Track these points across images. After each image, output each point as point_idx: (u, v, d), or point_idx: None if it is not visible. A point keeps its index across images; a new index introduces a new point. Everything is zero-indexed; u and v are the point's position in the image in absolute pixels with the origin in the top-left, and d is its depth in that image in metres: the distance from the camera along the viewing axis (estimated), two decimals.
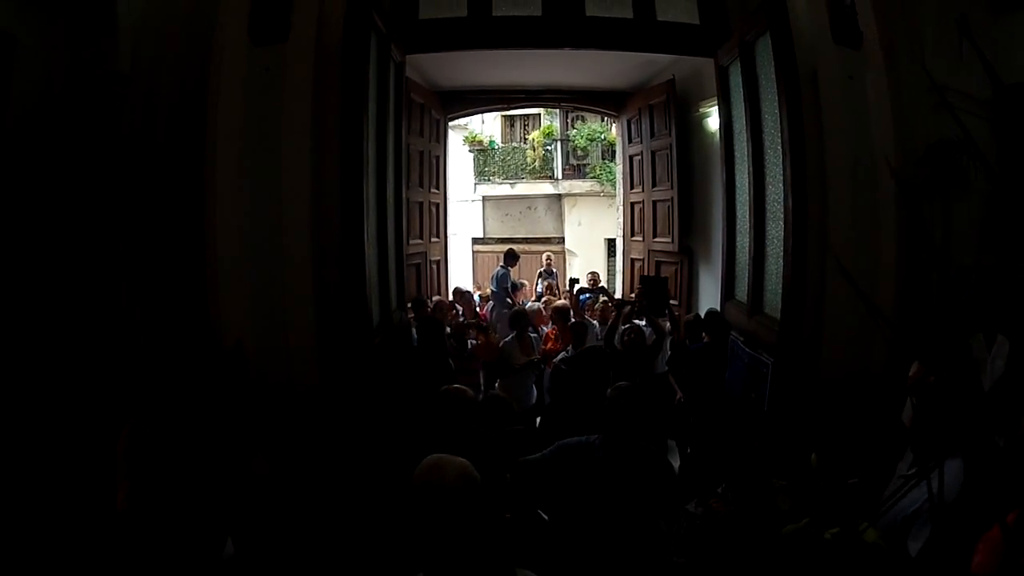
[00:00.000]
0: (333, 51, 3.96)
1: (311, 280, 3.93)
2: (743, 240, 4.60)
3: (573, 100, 9.12)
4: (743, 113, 4.53)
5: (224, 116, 3.99)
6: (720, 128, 5.16)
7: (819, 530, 2.36)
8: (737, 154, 4.69)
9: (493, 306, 8.09)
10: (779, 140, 3.99)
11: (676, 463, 5.72)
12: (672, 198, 7.36)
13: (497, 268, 8.98)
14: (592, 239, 15.76)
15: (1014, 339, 4.92)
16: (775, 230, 4.07)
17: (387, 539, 2.81)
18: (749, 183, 4.42)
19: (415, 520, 1.71)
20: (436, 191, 8.01)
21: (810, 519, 2.45)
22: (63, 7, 5.53)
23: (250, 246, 3.96)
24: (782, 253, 3.94)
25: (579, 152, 16.56)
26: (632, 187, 8.48)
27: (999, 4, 6.20)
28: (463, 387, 3.55)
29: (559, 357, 5.16)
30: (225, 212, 3.95)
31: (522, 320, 5.92)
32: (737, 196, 4.74)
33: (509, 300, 8.15)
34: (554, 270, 10.66)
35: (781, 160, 3.95)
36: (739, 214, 4.69)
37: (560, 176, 16.82)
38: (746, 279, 4.52)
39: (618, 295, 8.10)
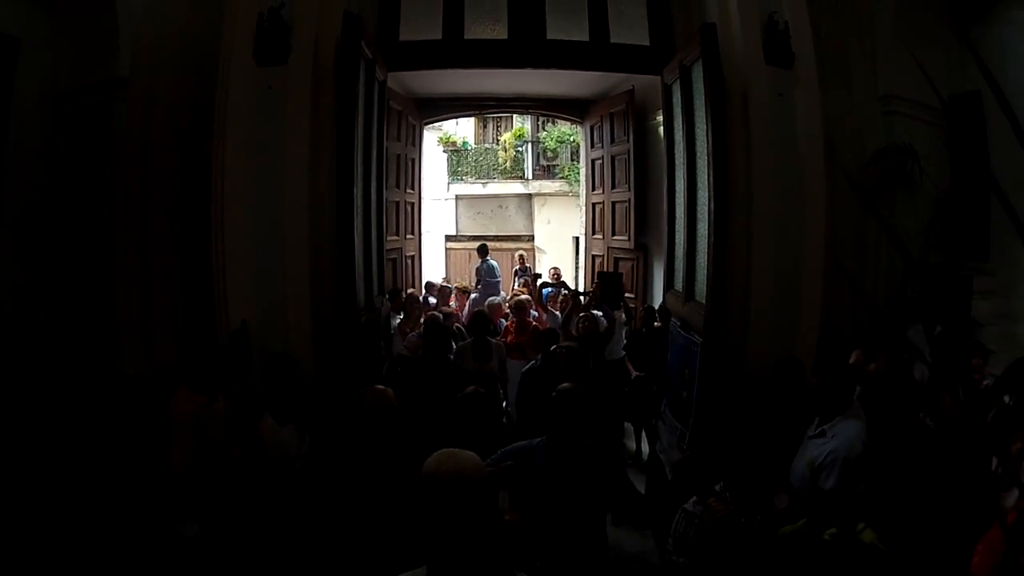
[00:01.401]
0: (327, 72, 4.53)
1: (307, 269, 4.49)
2: (680, 237, 5.27)
3: (541, 107, 9.74)
4: (681, 126, 5.16)
5: (232, 126, 4.53)
6: (664, 139, 5.82)
7: (816, 531, 2.45)
8: (677, 162, 5.32)
9: (476, 298, 8.66)
10: (707, 151, 4.66)
11: (634, 446, 6.40)
12: (629, 199, 8.01)
13: (488, 261, 9.81)
14: (561, 237, 16.30)
15: (954, 330, 5.43)
16: (703, 229, 4.72)
17: (391, 529, 2.81)
18: (684, 188, 5.08)
19: (422, 512, 1.70)
20: (411, 191, 8.59)
21: (807, 519, 2.54)
22: (66, 12, 5.83)
23: (254, 240, 4.50)
24: (707, 248, 4.62)
25: (549, 153, 17.28)
26: (594, 189, 9.12)
27: (956, 18, 6.70)
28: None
29: (527, 367, 5.24)
30: (233, 210, 4.51)
31: (481, 323, 5.78)
32: (676, 199, 5.38)
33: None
34: (528, 267, 11.34)
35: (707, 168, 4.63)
36: (677, 215, 5.34)
37: (531, 176, 17.57)
38: (681, 271, 5.19)
39: (580, 289, 8.76)
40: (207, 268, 5.22)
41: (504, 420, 5.65)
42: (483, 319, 5.82)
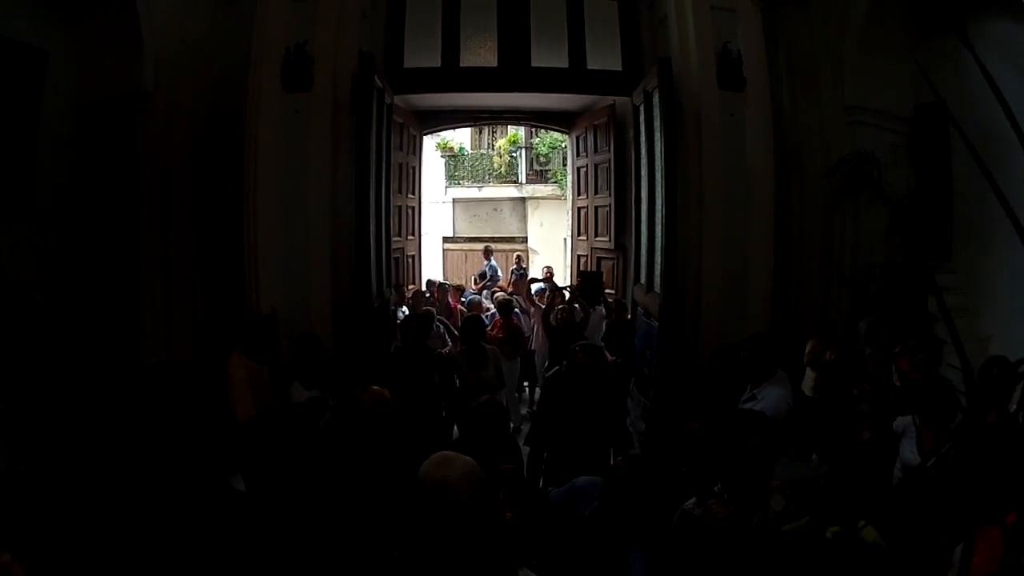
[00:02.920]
0: (345, 98, 5.38)
1: (328, 265, 5.35)
2: (643, 238, 6.10)
3: (531, 119, 10.46)
4: (644, 142, 6.01)
5: (263, 144, 5.37)
6: (633, 152, 6.66)
7: (819, 529, 2.40)
8: (641, 173, 6.16)
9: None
10: (661, 165, 5.50)
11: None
12: (610, 204, 8.71)
13: (491, 263, 11.03)
14: (552, 238, 16.74)
15: (912, 326, 5.93)
16: (659, 230, 5.56)
17: (389, 530, 2.84)
18: (646, 195, 5.91)
19: (421, 516, 1.71)
20: (412, 196, 9.34)
21: (810, 518, 2.52)
22: (91, 26, 6.34)
23: (284, 240, 5.36)
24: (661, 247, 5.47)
25: (541, 159, 17.77)
26: (579, 194, 9.81)
27: (921, 31, 7.04)
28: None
29: (551, 373, 4.96)
30: (263, 215, 5.35)
31: (474, 328, 5.50)
32: (640, 205, 6.21)
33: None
34: (525, 268, 12.25)
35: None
36: (641, 218, 6.17)
37: (524, 180, 18.00)
38: (644, 267, 6.04)
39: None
40: (224, 266, 6.02)
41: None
42: (476, 324, 5.53)
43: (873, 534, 2.37)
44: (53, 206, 6.33)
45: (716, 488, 2.81)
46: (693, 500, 2.83)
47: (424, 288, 9.14)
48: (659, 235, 5.53)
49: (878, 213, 6.94)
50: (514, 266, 12.16)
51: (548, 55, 6.55)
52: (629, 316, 6.91)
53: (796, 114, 7.07)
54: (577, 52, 6.61)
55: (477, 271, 12.43)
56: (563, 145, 16.67)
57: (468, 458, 1.87)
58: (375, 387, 3.36)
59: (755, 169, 5.88)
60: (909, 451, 3.92)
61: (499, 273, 11.65)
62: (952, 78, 6.23)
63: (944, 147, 6.82)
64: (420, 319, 5.65)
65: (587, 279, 7.59)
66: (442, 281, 9.96)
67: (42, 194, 6.20)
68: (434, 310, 7.12)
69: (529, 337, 7.61)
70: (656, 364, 5.39)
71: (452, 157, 18.25)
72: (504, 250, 15.46)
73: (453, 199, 18.34)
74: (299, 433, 4.12)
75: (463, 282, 11.15)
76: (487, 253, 12.01)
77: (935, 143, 6.96)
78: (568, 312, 6.57)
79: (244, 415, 4.08)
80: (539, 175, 17.93)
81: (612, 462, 3.51)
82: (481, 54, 6.45)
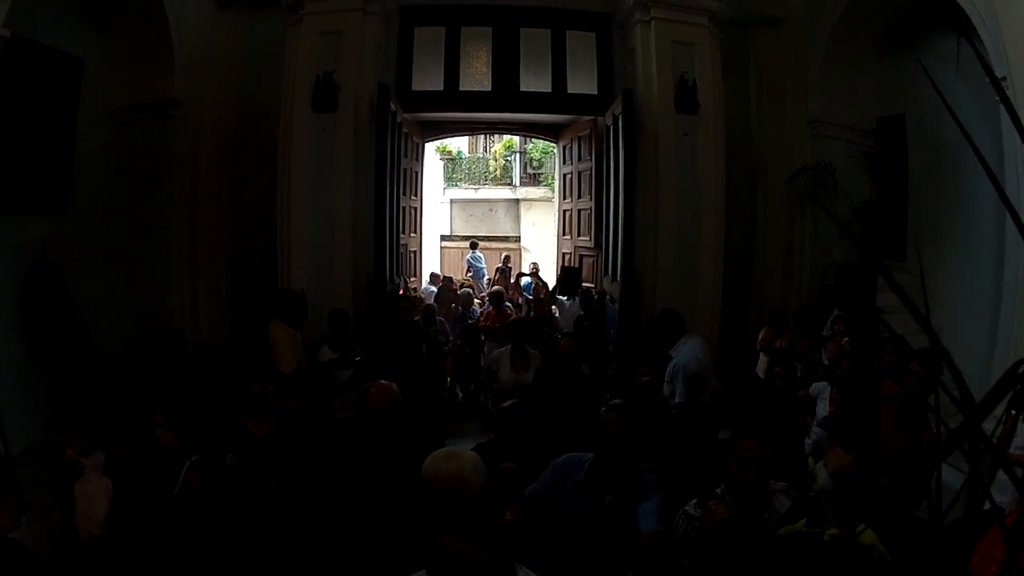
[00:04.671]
0: (364, 119, 6.50)
1: (350, 256, 6.49)
2: (610, 237, 7.26)
3: (523, 130, 11.41)
4: (612, 158, 7.17)
5: (296, 155, 6.48)
6: (605, 164, 7.79)
7: (816, 532, 2.39)
8: (611, 182, 7.32)
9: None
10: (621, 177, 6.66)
11: None
12: (591, 207, 9.59)
13: (475, 253, 13.44)
14: (543, 238, 17.17)
15: (863, 317, 6.61)
16: (620, 231, 6.74)
17: (394, 528, 2.85)
18: (613, 201, 7.07)
19: (422, 513, 1.68)
20: (414, 198, 10.27)
21: (807, 520, 2.49)
22: (123, 36, 7.05)
23: (312, 235, 6.51)
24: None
25: (534, 163, 18.40)
26: (565, 198, 10.69)
27: (882, 48, 7.65)
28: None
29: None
30: (297, 214, 6.48)
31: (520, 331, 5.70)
32: (611, 210, 7.38)
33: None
34: (510, 265, 13.14)
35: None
36: (609, 220, 7.34)
37: (518, 183, 18.66)
38: (610, 260, 7.20)
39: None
40: (247, 258, 7.02)
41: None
42: (520, 327, 5.68)
43: (871, 537, 2.35)
44: (89, 201, 7.07)
45: (718, 490, 2.79)
46: (694, 501, 2.81)
47: (428, 279, 10.31)
48: (620, 234, 6.67)
49: (836, 217, 7.73)
50: (499, 264, 13.11)
51: (534, 80, 7.67)
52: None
53: (763, 126, 7.99)
54: (559, 78, 7.72)
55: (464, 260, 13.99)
56: (555, 151, 17.54)
57: (471, 452, 1.86)
58: (383, 381, 3.43)
59: (706, 180, 6.94)
60: (823, 408, 4.57)
61: (482, 263, 13.15)
62: (911, 92, 6.97)
63: (902, 157, 7.40)
64: (409, 299, 6.78)
65: (567, 274, 8.67)
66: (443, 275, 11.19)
67: (79, 190, 6.87)
68: (435, 306, 7.89)
69: None
70: (616, 339, 6.53)
71: (451, 160, 18.84)
72: (498, 248, 15.98)
73: (451, 200, 18.94)
74: (328, 383, 5.29)
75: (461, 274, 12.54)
76: (473, 246, 13.88)
77: (894, 153, 7.54)
78: (542, 305, 7.68)
79: (287, 369, 5.19)
80: (532, 178, 18.54)
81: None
82: (477, 79, 7.58)
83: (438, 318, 7.50)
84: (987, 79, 4.54)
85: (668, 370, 4.98)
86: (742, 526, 2.60)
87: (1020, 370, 0.74)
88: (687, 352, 4.92)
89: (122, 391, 5.57)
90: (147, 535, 3.32)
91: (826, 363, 5.94)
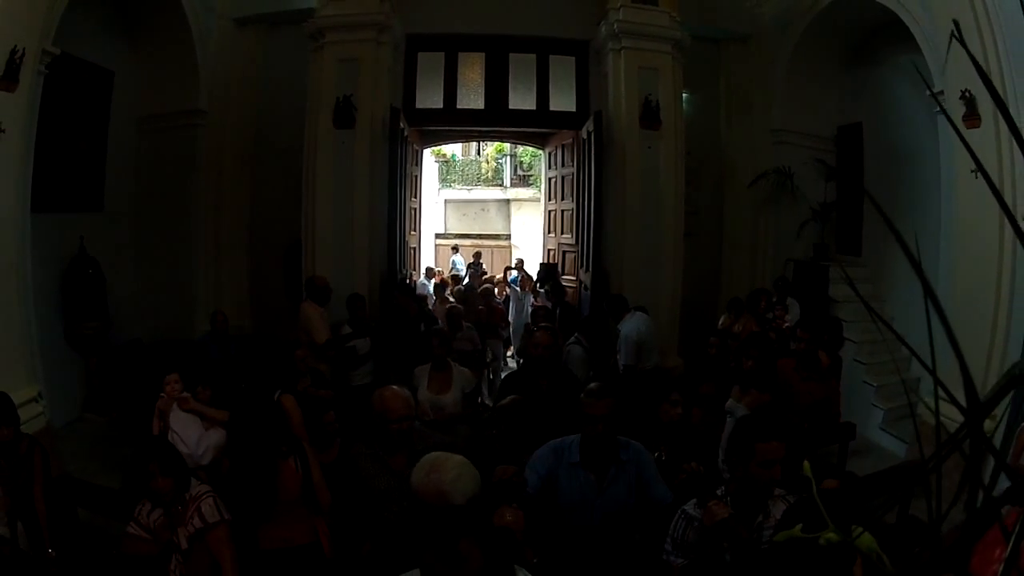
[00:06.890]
0: (378, 135, 7.61)
1: (367, 251, 7.62)
2: (585, 234, 8.48)
3: (513, 137, 12.35)
4: (587, 166, 8.36)
5: (320, 166, 7.61)
6: (582, 172, 8.97)
7: (812, 536, 2.61)
8: (586, 187, 8.53)
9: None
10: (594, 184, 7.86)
11: None
12: (573, 209, 10.64)
13: (459, 256, 14.14)
14: (533, 236, 16.72)
15: (804, 304, 7.24)
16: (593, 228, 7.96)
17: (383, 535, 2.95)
18: (587, 203, 8.30)
19: (414, 517, 1.67)
20: (414, 199, 11.26)
21: (803, 525, 2.88)
22: (151, 49, 7.56)
23: (334, 234, 7.61)
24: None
25: (524, 165, 19.13)
26: (550, 199, 11.57)
27: (843, 61, 8.15)
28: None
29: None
30: (321, 216, 7.59)
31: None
32: (586, 211, 8.58)
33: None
34: (481, 263, 14.19)
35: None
36: (586, 220, 8.54)
37: (509, 184, 19.36)
38: (584, 253, 8.41)
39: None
40: (265, 254, 7.91)
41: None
42: (437, 340, 5.13)
43: (869, 540, 2.45)
44: (121, 201, 7.57)
45: (719, 491, 2.78)
46: (694, 501, 2.78)
47: (424, 274, 11.48)
48: (592, 232, 7.89)
49: (795, 217, 8.53)
50: (471, 261, 14.12)
51: (521, 100, 8.80)
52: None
53: (731, 134, 8.87)
54: (543, 96, 8.84)
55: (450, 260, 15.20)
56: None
57: (459, 457, 1.79)
58: (395, 387, 3.51)
59: (666, 185, 8.04)
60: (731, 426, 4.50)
61: (461, 265, 14.34)
62: (870, 101, 7.61)
63: (859, 161, 8.03)
64: (407, 288, 8.01)
65: (546, 269, 9.85)
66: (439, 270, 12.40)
67: (111, 191, 7.33)
68: (461, 308, 7.90)
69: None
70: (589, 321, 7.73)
71: (445, 162, 19.53)
72: (490, 246, 16.97)
73: (445, 200, 19.56)
74: (349, 355, 6.41)
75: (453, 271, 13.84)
76: (455, 250, 15.59)
77: (853, 158, 8.15)
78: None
79: (321, 339, 6.34)
80: (522, 180, 19.22)
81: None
82: (472, 98, 8.75)
83: (465, 324, 7.27)
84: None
85: (617, 345, 6.08)
86: (742, 527, 2.61)
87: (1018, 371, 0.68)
88: (630, 325, 6.11)
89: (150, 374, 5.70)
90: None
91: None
